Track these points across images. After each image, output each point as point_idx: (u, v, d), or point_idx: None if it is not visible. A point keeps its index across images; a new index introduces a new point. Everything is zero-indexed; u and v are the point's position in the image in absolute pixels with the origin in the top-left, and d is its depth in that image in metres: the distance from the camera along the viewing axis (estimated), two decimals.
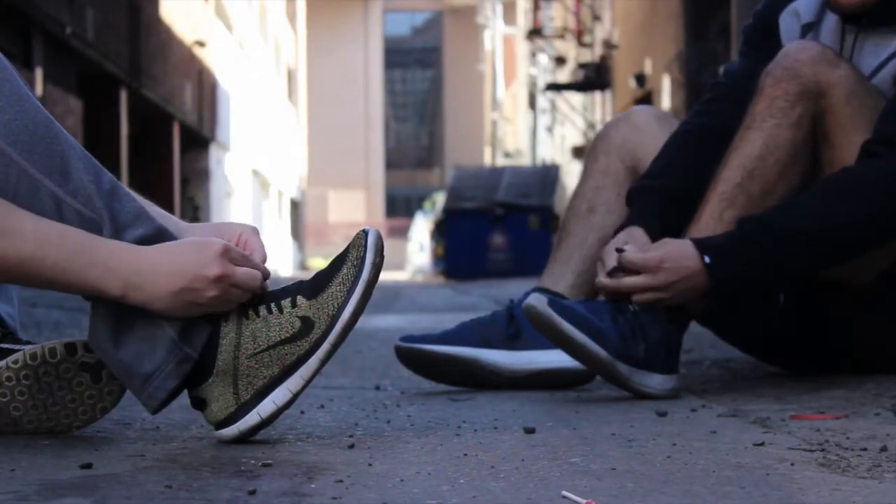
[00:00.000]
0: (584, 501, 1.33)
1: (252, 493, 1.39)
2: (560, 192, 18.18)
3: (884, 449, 1.71)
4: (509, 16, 41.13)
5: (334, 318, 1.77)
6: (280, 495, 1.38)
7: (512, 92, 42.47)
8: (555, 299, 2.43)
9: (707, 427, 1.98)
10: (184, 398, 1.83)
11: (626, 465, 1.59)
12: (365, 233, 1.80)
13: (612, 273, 2.45)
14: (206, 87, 20.10)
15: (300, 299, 1.78)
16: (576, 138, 26.13)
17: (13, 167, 1.72)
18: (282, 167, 32.72)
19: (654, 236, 2.53)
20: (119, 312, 1.75)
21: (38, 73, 11.50)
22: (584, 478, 1.51)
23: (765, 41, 2.73)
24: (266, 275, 1.81)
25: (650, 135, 2.76)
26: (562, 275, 2.75)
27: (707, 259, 2.39)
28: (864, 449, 1.72)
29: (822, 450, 1.73)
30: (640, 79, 17.77)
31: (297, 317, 1.77)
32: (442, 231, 20.10)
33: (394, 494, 1.40)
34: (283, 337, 1.77)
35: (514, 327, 2.69)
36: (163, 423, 2.00)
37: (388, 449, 1.75)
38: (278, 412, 1.79)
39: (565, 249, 2.78)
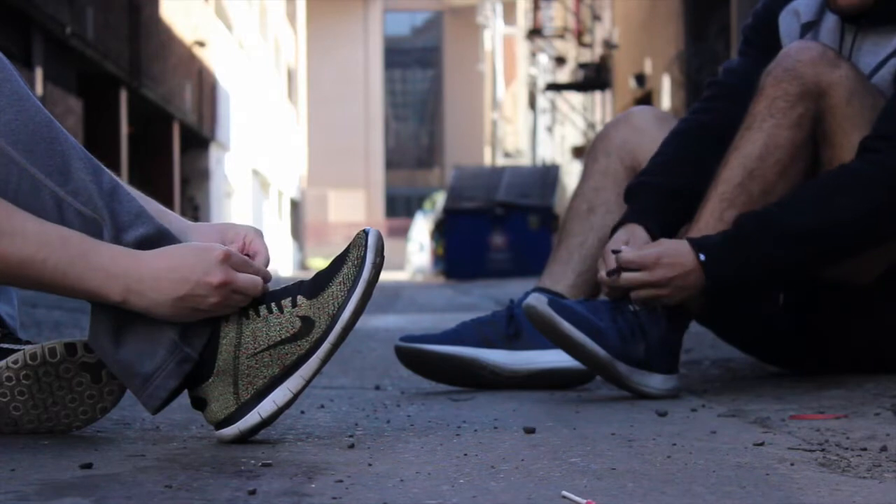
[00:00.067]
0: (584, 501, 1.33)
1: (252, 493, 1.39)
2: (560, 192, 18.17)
3: (884, 449, 1.71)
4: (509, 16, 41.14)
5: (335, 318, 1.77)
6: (280, 495, 1.38)
7: (512, 92, 42.47)
8: (554, 299, 2.43)
9: (707, 427, 1.98)
10: (184, 398, 1.83)
11: (626, 465, 1.59)
12: (365, 233, 1.81)
13: (610, 274, 2.45)
14: (206, 87, 20.10)
15: (300, 299, 1.78)
16: (576, 138, 26.13)
17: (14, 167, 1.72)
18: (282, 167, 32.73)
19: (653, 233, 2.53)
20: (120, 312, 1.75)
21: (38, 73, 11.50)
22: (584, 478, 1.51)
23: (764, 40, 2.73)
24: (268, 278, 1.81)
25: (650, 135, 2.77)
26: (562, 275, 2.75)
27: (702, 257, 2.39)
28: (864, 449, 1.72)
29: (822, 450, 1.73)
30: (640, 79, 17.76)
31: (298, 316, 1.77)
32: (442, 231, 20.10)
33: (394, 494, 1.40)
34: (283, 337, 1.77)
35: (514, 327, 2.69)
36: (163, 423, 2.00)
37: (388, 449, 1.75)
38: (278, 412, 1.79)
39: (565, 249, 2.78)
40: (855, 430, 1.91)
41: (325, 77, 48.67)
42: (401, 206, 56.20)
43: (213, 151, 21.36)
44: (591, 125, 24.44)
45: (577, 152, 23.76)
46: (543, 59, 29.88)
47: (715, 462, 1.62)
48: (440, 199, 26.12)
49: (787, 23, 2.71)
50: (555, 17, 27.60)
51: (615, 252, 2.45)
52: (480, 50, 47.34)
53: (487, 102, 46.17)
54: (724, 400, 2.39)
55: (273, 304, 1.78)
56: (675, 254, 2.40)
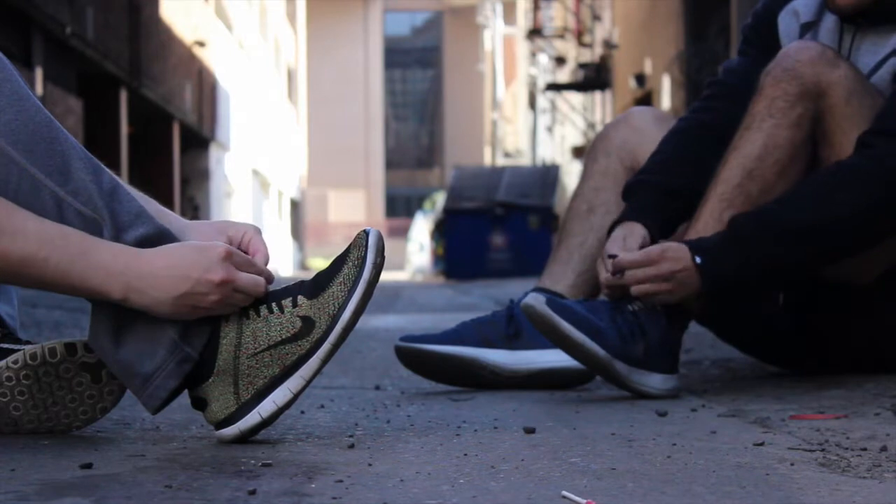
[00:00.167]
0: (584, 501, 1.33)
1: (252, 493, 1.39)
2: (560, 192, 18.17)
3: (884, 449, 1.71)
4: (509, 16, 41.13)
5: (335, 318, 1.78)
6: (280, 495, 1.38)
7: (512, 92, 42.47)
8: (553, 299, 2.43)
9: (707, 427, 1.98)
10: (184, 398, 1.83)
11: (626, 465, 1.59)
12: (366, 233, 1.81)
13: (615, 274, 2.45)
14: (206, 87, 20.10)
15: (301, 299, 1.78)
16: (576, 138, 26.12)
17: (14, 167, 1.72)
18: (282, 167, 32.72)
19: (651, 231, 2.53)
20: (120, 312, 1.75)
21: (38, 73, 11.50)
22: (584, 478, 1.51)
23: (764, 40, 2.73)
24: (270, 278, 1.81)
25: (649, 136, 2.76)
26: (562, 275, 2.75)
27: (699, 259, 2.39)
28: (864, 449, 1.72)
29: (822, 450, 1.73)
30: (640, 79, 17.76)
31: (298, 316, 1.77)
32: (442, 231, 20.09)
33: (394, 494, 1.40)
34: (283, 337, 1.77)
35: (514, 327, 2.69)
36: (163, 423, 2.00)
37: (388, 449, 1.75)
38: (279, 412, 1.79)
39: (565, 249, 2.78)
40: (855, 430, 1.91)
41: (325, 77, 48.67)
42: (401, 206, 56.20)
43: (213, 151, 21.36)
44: (591, 125, 24.44)
45: (577, 152, 23.75)
46: (543, 59, 29.88)
47: (715, 462, 1.62)
48: (440, 199, 26.11)
49: (787, 23, 2.71)
50: (555, 17, 27.60)
51: (611, 257, 2.46)
52: (480, 50, 47.34)
53: (487, 102, 46.17)
54: (724, 400, 2.39)
55: (273, 304, 1.78)
56: (678, 248, 2.41)
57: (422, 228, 30.95)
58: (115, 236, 1.74)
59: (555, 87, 25.63)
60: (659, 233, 2.54)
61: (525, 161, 34.01)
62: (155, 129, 17.46)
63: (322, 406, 2.30)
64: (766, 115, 2.47)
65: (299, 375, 1.78)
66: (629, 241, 2.51)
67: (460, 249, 17.66)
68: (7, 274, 1.71)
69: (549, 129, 31.83)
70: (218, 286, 1.73)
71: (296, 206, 37.97)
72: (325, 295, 1.78)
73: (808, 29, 2.66)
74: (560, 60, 27.72)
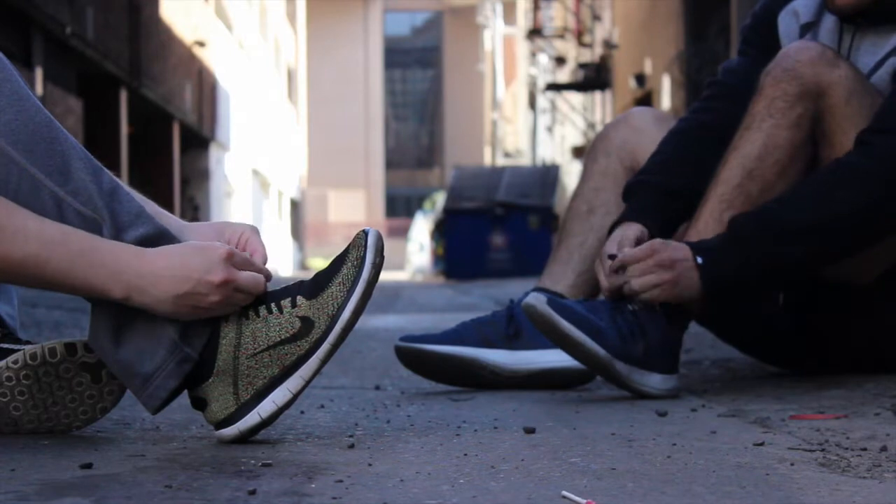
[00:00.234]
0: (584, 501, 1.33)
1: (252, 493, 1.39)
2: (560, 192, 18.17)
3: (884, 449, 1.71)
4: (509, 16, 41.13)
5: (334, 318, 1.78)
6: (280, 495, 1.38)
7: (512, 92, 42.47)
8: (554, 298, 2.43)
9: (707, 427, 1.98)
10: (184, 398, 1.83)
11: (626, 465, 1.59)
12: (365, 233, 1.81)
13: (616, 270, 2.45)
14: (206, 87, 20.10)
15: (300, 299, 1.78)
16: (576, 138, 26.12)
17: (14, 167, 1.72)
18: (282, 167, 32.73)
19: (652, 232, 2.53)
20: (120, 312, 1.76)
21: (38, 73, 11.50)
22: (584, 478, 1.51)
23: (764, 41, 2.73)
24: (268, 277, 1.81)
25: (649, 136, 2.76)
26: (562, 275, 2.75)
27: (700, 260, 2.39)
28: (864, 449, 1.72)
29: (822, 450, 1.73)
30: (640, 79, 17.76)
31: (297, 317, 1.78)
32: (442, 231, 20.09)
33: (394, 494, 1.40)
34: (283, 337, 1.77)
35: (514, 327, 2.69)
36: (163, 423, 2.00)
37: (388, 449, 1.75)
38: (278, 412, 1.79)
39: (565, 249, 2.78)
40: (855, 430, 1.91)
41: (325, 77, 48.67)
42: (401, 206, 56.20)
43: (213, 151, 21.36)
44: (591, 125, 24.44)
45: (577, 152, 23.75)
46: (543, 59, 29.88)
47: (715, 462, 1.62)
48: (440, 199, 26.11)
49: (787, 23, 2.71)
50: (555, 17, 27.60)
51: (611, 257, 2.46)
52: (480, 50, 47.34)
53: (487, 102, 46.17)
54: (724, 400, 2.39)
55: (273, 305, 1.78)
56: (679, 244, 2.41)
57: (422, 228, 30.95)
58: (114, 236, 1.74)
59: (555, 87, 25.63)
60: (659, 233, 2.54)
61: (525, 161, 34.01)
62: (155, 129, 17.46)
63: (322, 406, 2.30)
64: (766, 116, 2.47)
65: (299, 375, 1.78)
66: (627, 241, 2.51)
67: (460, 249, 17.66)
68: (7, 274, 1.71)
69: (549, 129, 31.83)
70: (219, 287, 1.73)
71: (296, 206, 37.97)
72: (325, 295, 1.78)
73: (807, 29, 2.66)
74: (560, 60, 27.72)
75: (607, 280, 2.48)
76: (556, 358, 2.65)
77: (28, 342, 1.89)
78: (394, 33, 57.84)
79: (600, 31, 22.92)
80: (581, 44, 24.22)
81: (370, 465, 1.60)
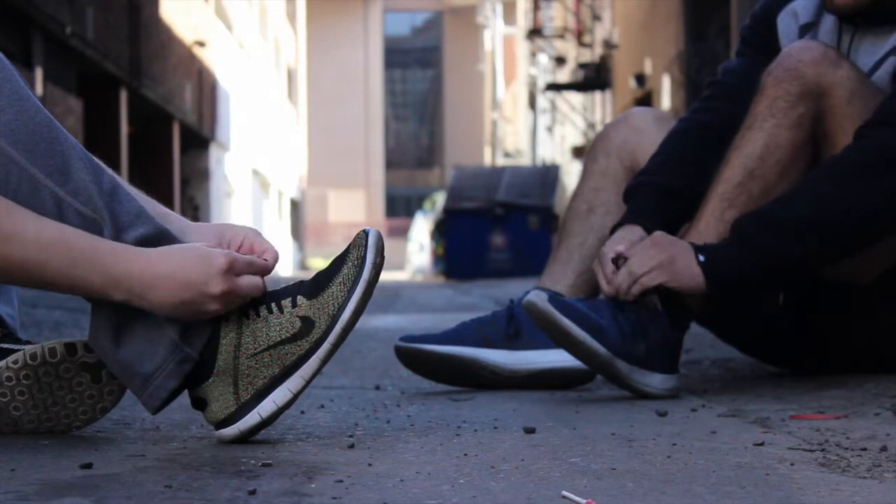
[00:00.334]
0: (584, 501, 1.33)
1: (252, 493, 1.39)
2: (560, 192, 18.17)
3: (884, 449, 1.71)
4: (509, 16, 41.13)
5: (335, 318, 1.78)
6: (280, 495, 1.38)
7: (512, 92, 42.46)
8: (556, 296, 2.43)
9: (707, 427, 1.98)
10: (184, 398, 1.83)
11: (626, 465, 1.59)
12: (365, 233, 1.81)
13: (615, 261, 2.45)
14: (206, 87, 20.10)
15: (300, 299, 1.78)
16: (576, 138, 26.12)
17: (14, 167, 1.71)
18: (282, 167, 32.72)
19: (652, 233, 2.53)
20: (120, 312, 1.76)
21: (38, 73, 11.50)
22: (584, 478, 1.51)
23: (763, 41, 2.73)
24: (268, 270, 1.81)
25: (649, 136, 2.76)
26: (562, 275, 2.75)
27: (702, 258, 2.39)
28: (864, 449, 1.72)
29: (822, 450, 1.73)
30: (640, 79, 17.76)
31: (298, 317, 1.78)
32: (442, 231, 20.09)
33: (394, 494, 1.40)
34: (283, 337, 1.77)
35: (514, 327, 2.69)
36: (163, 423, 2.00)
37: (388, 449, 1.75)
38: (278, 412, 1.79)
39: (565, 249, 2.78)
40: (855, 430, 1.91)
41: (325, 77, 48.67)
42: (401, 206, 56.20)
43: (213, 151, 21.36)
44: (591, 125, 24.44)
45: (577, 152, 23.75)
46: (543, 59, 29.88)
47: (715, 462, 1.62)
48: (440, 199, 26.11)
49: (786, 24, 2.71)
50: (555, 17, 27.60)
51: (615, 260, 2.45)
52: (480, 50, 47.34)
53: (487, 102, 46.16)
54: (724, 400, 2.39)
55: (273, 305, 1.78)
56: (678, 239, 2.42)
57: (422, 228, 30.94)
58: (114, 236, 1.73)
59: (555, 87, 25.63)
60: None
61: (525, 161, 34.01)
62: (155, 129, 17.46)
63: (322, 406, 2.30)
64: (768, 115, 2.47)
65: (299, 375, 1.78)
66: (628, 243, 2.50)
67: (460, 249, 17.66)
68: (7, 275, 1.71)
69: (549, 129, 31.83)
70: (219, 297, 1.73)
71: (296, 206, 37.97)
72: (325, 295, 1.78)
73: (807, 30, 2.66)
74: (560, 60, 27.72)
75: (609, 278, 2.47)
76: (556, 358, 2.65)
77: (28, 342, 1.89)
78: (394, 33, 57.84)
79: (600, 31, 22.92)
80: (581, 44, 24.23)
81: (370, 465, 1.60)
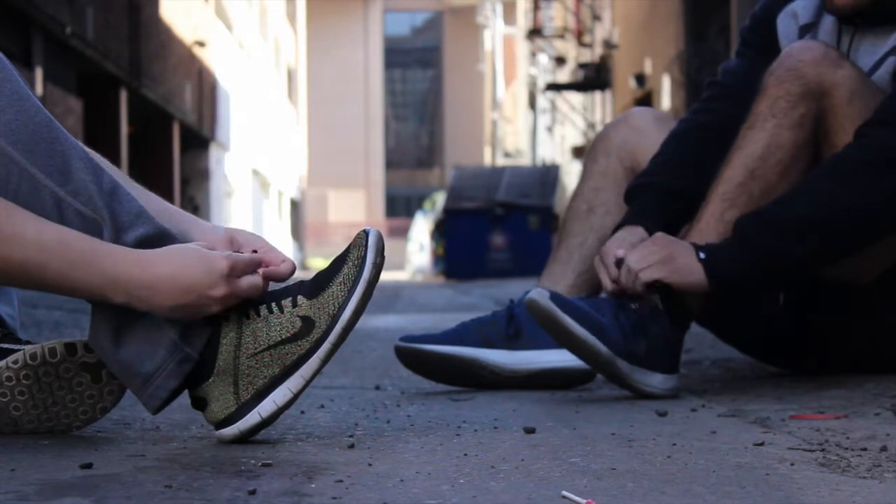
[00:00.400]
0: (584, 501, 1.33)
1: (252, 493, 1.39)
2: (560, 192, 18.17)
3: (884, 449, 1.71)
4: (509, 16, 41.13)
5: (335, 318, 1.77)
6: (280, 495, 1.38)
7: (512, 92, 42.47)
8: (557, 294, 2.43)
9: (707, 427, 1.98)
10: (184, 398, 1.83)
11: (626, 465, 1.59)
12: (366, 233, 1.81)
13: (618, 264, 2.45)
14: (206, 87, 20.10)
15: (301, 299, 1.78)
16: (576, 138, 26.12)
17: (14, 167, 1.71)
18: (282, 167, 32.73)
19: (654, 234, 2.53)
20: (120, 312, 1.75)
21: (38, 73, 11.51)
22: (584, 478, 1.51)
23: (763, 41, 2.73)
24: (292, 271, 1.82)
25: (649, 136, 2.77)
26: (562, 275, 2.75)
27: (702, 255, 2.39)
28: (864, 449, 1.72)
29: (822, 450, 1.73)
30: (640, 79, 17.76)
31: (298, 316, 1.78)
32: (442, 231, 20.10)
33: (394, 494, 1.40)
34: (283, 336, 1.77)
35: (514, 327, 2.69)
36: (163, 423, 2.00)
37: (388, 449, 1.75)
38: (279, 412, 1.79)
39: (565, 249, 2.78)
40: (855, 430, 1.91)
41: (325, 77, 48.67)
42: (401, 206, 56.20)
43: (213, 151, 21.36)
44: (591, 125, 24.44)
45: (577, 152, 23.76)
46: (543, 59, 29.88)
47: (715, 462, 1.62)
48: (440, 199, 26.11)
49: (786, 24, 2.71)
50: (555, 17, 27.60)
51: (617, 263, 2.46)
52: (480, 50, 47.34)
53: (487, 102, 46.16)
54: (724, 400, 2.39)
55: (273, 304, 1.78)
56: (675, 238, 2.42)
57: (422, 228, 30.94)
58: (114, 236, 1.73)
59: (555, 87, 25.63)
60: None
61: (525, 161, 34.01)
62: (155, 129, 17.46)
63: (322, 406, 2.30)
64: (769, 115, 2.47)
65: (299, 375, 1.78)
66: (629, 245, 2.50)
67: (460, 249, 17.67)
68: (6, 277, 1.71)
69: (549, 129, 31.83)
70: (220, 300, 1.73)
71: (296, 206, 37.98)
72: (325, 295, 1.78)
73: (806, 31, 2.66)
74: (560, 60, 27.72)
75: (612, 275, 2.47)
76: (556, 358, 2.65)
77: (28, 342, 1.89)
78: (394, 33, 57.84)
79: (600, 31, 22.92)
80: (581, 44, 24.23)
81: (370, 465, 1.60)
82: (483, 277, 16.40)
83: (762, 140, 2.46)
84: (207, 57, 20.11)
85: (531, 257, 15.51)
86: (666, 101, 15.62)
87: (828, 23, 2.64)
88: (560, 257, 2.78)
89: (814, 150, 2.49)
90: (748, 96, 2.54)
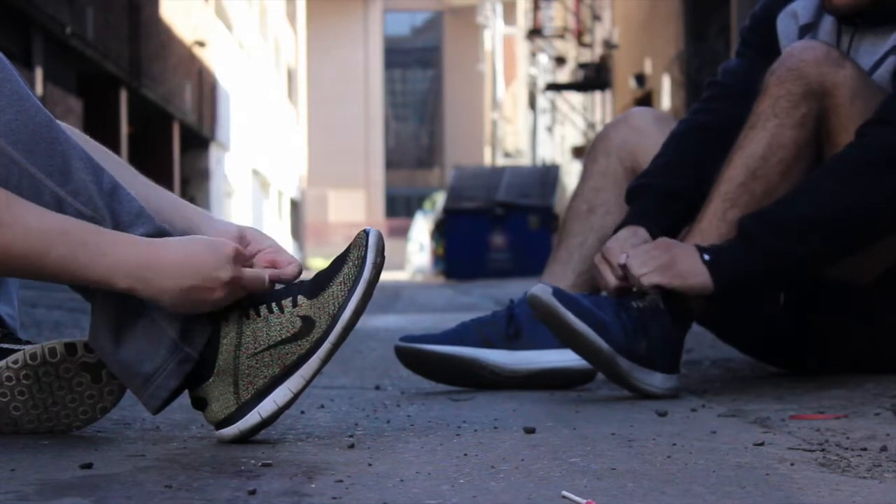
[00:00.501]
0: (584, 501, 1.33)
1: (252, 493, 1.39)
2: (560, 192, 18.18)
3: (884, 449, 1.71)
4: (509, 16, 41.13)
5: (335, 318, 1.78)
6: (280, 495, 1.38)
7: (512, 92, 42.46)
8: (559, 290, 2.42)
9: (707, 427, 1.98)
10: (184, 398, 1.83)
11: (626, 465, 1.59)
12: (366, 233, 1.81)
13: (622, 267, 2.45)
14: (206, 87, 20.10)
15: (301, 299, 1.78)
16: (576, 138, 26.12)
17: (14, 167, 1.71)
18: (282, 167, 32.72)
19: (655, 235, 2.53)
20: (120, 312, 1.75)
21: (38, 73, 11.50)
22: (584, 478, 1.51)
23: (763, 41, 2.73)
24: (299, 269, 1.82)
25: (649, 136, 2.77)
26: (562, 275, 2.75)
27: (706, 257, 2.39)
28: (864, 449, 1.72)
29: (822, 450, 1.73)
30: (640, 79, 17.76)
31: (298, 316, 1.78)
32: (442, 231, 20.10)
33: (394, 494, 1.40)
34: (283, 336, 1.77)
35: (514, 327, 2.69)
36: (163, 423, 2.00)
37: (388, 449, 1.75)
38: (279, 412, 1.79)
39: (565, 249, 2.78)
40: (855, 430, 1.91)
41: (325, 77, 48.67)
42: (401, 206, 56.20)
43: (213, 151, 21.35)
44: (591, 125, 24.44)
45: (577, 152, 23.75)
46: (543, 59, 29.88)
47: (715, 462, 1.62)
48: (440, 199, 26.11)
49: (785, 25, 2.71)
50: (555, 17, 27.60)
51: (622, 265, 2.46)
52: (480, 50, 47.34)
53: (487, 102, 46.17)
54: (724, 400, 2.39)
55: (273, 304, 1.78)
56: (677, 241, 2.42)
57: (422, 228, 30.94)
58: None
59: (555, 87, 25.63)
60: (661, 236, 2.53)
61: (525, 161, 34.01)
62: (155, 129, 17.46)
63: (322, 406, 2.30)
64: (771, 115, 2.47)
65: (299, 375, 1.78)
66: (630, 244, 2.50)
67: (460, 249, 17.67)
68: (8, 265, 1.70)
69: (549, 129, 31.83)
70: (226, 284, 1.73)
71: (296, 206, 37.97)
72: (326, 295, 1.78)
73: (806, 31, 2.66)
74: (560, 60, 27.72)
75: (616, 272, 2.47)
76: (556, 358, 2.66)
77: (28, 342, 1.89)
78: (394, 33, 57.83)
79: (600, 31, 22.92)
80: (581, 44, 24.23)
81: (370, 465, 1.60)
82: (483, 277, 16.40)
83: (764, 140, 2.46)
84: (207, 57, 20.11)
85: (531, 257, 15.52)
86: (666, 101, 15.62)
87: (828, 23, 2.64)
88: (560, 257, 2.78)
89: (815, 149, 2.49)
90: (748, 96, 2.54)
